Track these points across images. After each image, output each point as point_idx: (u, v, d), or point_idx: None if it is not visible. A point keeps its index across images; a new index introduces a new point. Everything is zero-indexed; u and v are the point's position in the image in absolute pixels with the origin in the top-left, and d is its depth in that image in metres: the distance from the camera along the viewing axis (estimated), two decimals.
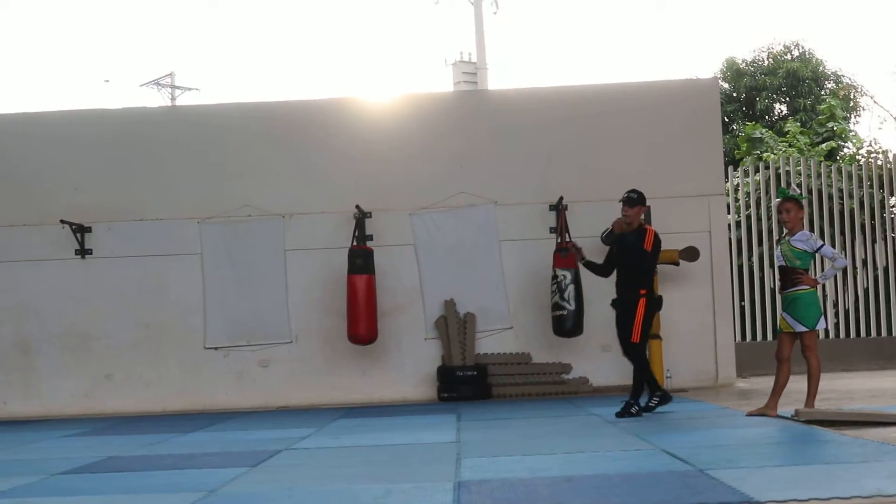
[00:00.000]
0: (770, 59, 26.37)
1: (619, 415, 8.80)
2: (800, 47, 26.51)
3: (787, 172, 15.85)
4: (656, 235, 8.87)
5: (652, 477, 5.55)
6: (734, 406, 9.53)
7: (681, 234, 12.16)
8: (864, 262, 15.78)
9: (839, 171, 16.31)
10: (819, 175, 15.87)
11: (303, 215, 12.55)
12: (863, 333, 15.51)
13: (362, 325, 11.82)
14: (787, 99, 25.73)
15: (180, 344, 12.51)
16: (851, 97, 24.87)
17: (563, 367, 12.33)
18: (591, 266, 9.22)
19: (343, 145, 12.67)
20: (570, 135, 12.68)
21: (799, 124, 22.29)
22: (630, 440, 7.22)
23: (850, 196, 15.88)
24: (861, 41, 53.82)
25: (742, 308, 15.45)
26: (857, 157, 19.63)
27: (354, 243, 12.09)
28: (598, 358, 12.18)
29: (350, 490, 5.50)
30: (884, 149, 19.81)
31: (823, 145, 20.79)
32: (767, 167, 16.24)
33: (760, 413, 8.31)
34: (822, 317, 8.22)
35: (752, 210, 15.94)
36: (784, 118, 24.80)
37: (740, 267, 15.58)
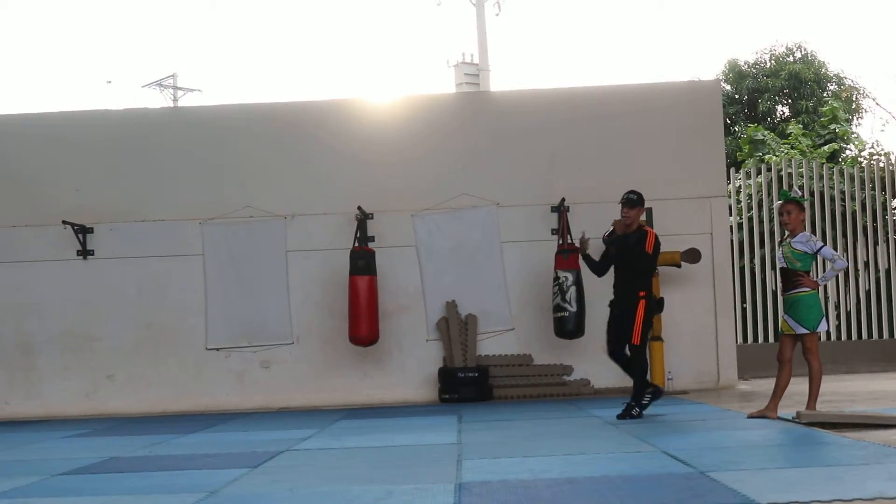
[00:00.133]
0: (772, 61, 26.36)
1: (620, 416, 8.81)
2: (802, 49, 26.51)
3: (789, 174, 15.84)
4: (657, 237, 8.89)
5: (653, 479, 5.55)
6: (735, 408, 9.53)
7: (683, 235, 12.18)
8: (866, 264, 15.78)
9: (841, 173, 16.31)
10: (821, 177, 15.86)
11: (304, 216, 12.55)
12: (864, 335, 15.51)
13: (364, 327, 11.82)
14: (790, 101, 25.73)
15: (182, 345, 12.51)
16: (854, 99, 24.86)
17: (565, 369, 12.33)
18: (588, 260, 9.20)
19: (345, 146, 12.67)
20: (572, 136, 12.68)
21: (801, 126, 22.30)
22: (631, 442, 7.22)
23: (852, 198, 15.88)
24: (863, 43, 53.82)
25: (743, 310, 15.45)
26: (860, 159, 19.64)
27: (356, 244, 12.09)
28: (600, 360, 12.08)
29: (351, 491, 5.50)
30: (886, 151, 19.85)
31: (825, 147, 20.80)
32: (769, 169, 16.24)
33: (761, 415, 8.31)
34: (824, 319, 8.22)
35: (754, 212, 15.94)
36: (786, 120, 24.80)
37: (742, 269, 15.58)
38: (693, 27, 63.04)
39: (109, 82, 61.43)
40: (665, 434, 7.64)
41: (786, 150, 20.12)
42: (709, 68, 42.22)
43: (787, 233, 8.31)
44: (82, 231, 12.51)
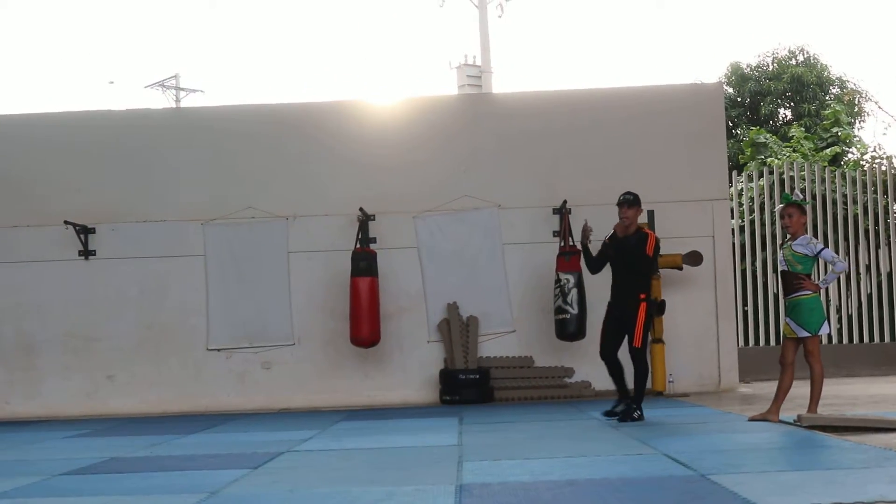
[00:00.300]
0: (775, 64, 26.35)
1: (620, 419, 8.82)
2: (804, 52, 26.49)
3: (791, 178, 15.83)
4: (657, 239, 8.93)
5: (653, 481, 5.55)
6: (736, 411, 9.53)
7: (684, 238, 12.19)
8: (868, 268, 15.77)
9: (843, 176, 16.30)
10: (823, 180, 15.85)
11: (306, 217, 12.56)
12: (866, 339, 15.50)
13: (365, 328, 11.82)
14: (792, 104, 25.72)
15: (183, 345, 12.51)
16: (856, 102, 24.85)
17: (566, 371, 12.32)
18: (587, 252, 9.20)
19: (347, 148, 12.68)
20: (574, 139, 12.68)
21: (803, 129, 22.29)
22: (632, 444, 7.22)
23: (854, 201, 15.88)
24: (866, 46, 53.82)
25: (745, 313, 15.44)
26: (862, 162, 19.63)
27: (358, 246, 12.09)
28: (601, 362, 12.06)
29: (351, 492, 5.49)
30: (888, 154, 19.83)
31: (828, 150, 20.79)
32: (771, 172, 16.23)
33: (763, 418, 8.32)
34: (826, 322, 8.22)
35: (756, 215, 15.94)
36: (788, 123, 24.80)
37: (743, 272, 15.58)
38: (695, 30, 63.09)
39: (112, 83, 61.53)
40: (666, 437, 7.64)
41: (788, 154, 20.11)
42: (711, 71, 42.24)
43: (788, 236, 8.30)
44: (84, 231, 12.52)
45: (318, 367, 12.46)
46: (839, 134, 21.83)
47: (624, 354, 8.91)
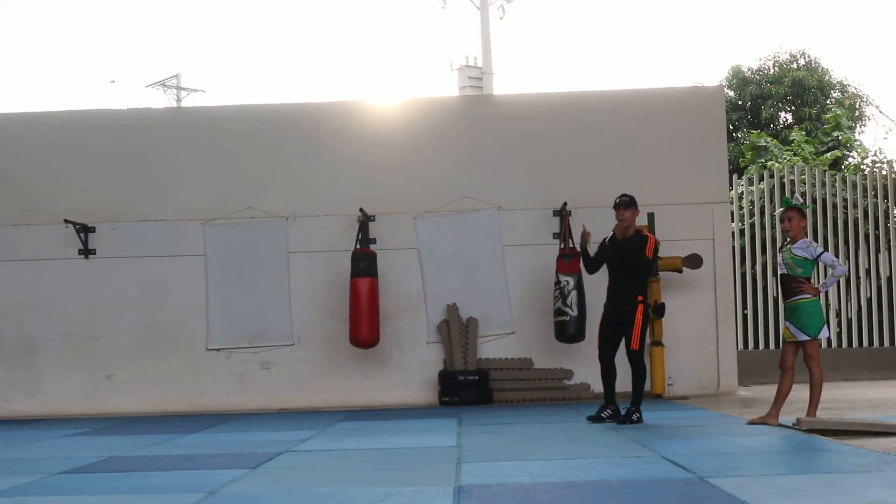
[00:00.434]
0: (776, 68, 26.35)
1: (620, 421, 8.83)
2: (806, 56, 26.49)
3: (792, 181, 15.85)
4: (657, 242, 8.98)
5: (652, 484, 5.55)
6: (735, 414, 9.53)
7: (684, 241, 12.20)
8: (868, 272, 15.77)
9: (844, 180, 16.31)
10: (823, 184, 15.87)
11: (306, 218, 12.56)
12: (865, 343, 15.50)
13: (364, 329, 11.82)
14: (793, 108, 25.72)
15: (182, 345, 12.51)
16: (857, 107, 24.86)
17: (565, 373, 12.32)
18: (585, 253, 9.20)
19: (348, 148, 12.68)
20: (575, 141, 12.69)
21: (804, 133, 22.30)
22: (631, 447, 7.22)
23: (855, 205, 15.89)
24: (867, 51, 53.83)
25: (745, 316, 15.44)
26: (862, 166, 19.63)
27: (358, 246, 12.09)
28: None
29: (350, 493, 5.49)
30: (888, 158, 19.80)
31: (828, 154, 20.80)
32: (772, 176, 16.25)
33: (762, 421, 8.31)
34: (825, 326, 8.21)
35: (756, 218, 15.95)
36: (789, 127, 24.80)
37: (743, 275, 15.59)
38: (697, 33, 63.09)
39: (113, 82, 61.51)
40: (665, 439, 7.64)
41: (788, 157, 20.12)
42: (712, 74, 42.18)
43: (787, 239, 8.30)
44: (84, 230, 12.52)
45: (317, 367, 12.46)
46: (840, 138, 21.84)
47: (620, 358, 8.92)
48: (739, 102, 25.99)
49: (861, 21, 57.04)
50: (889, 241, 15.78)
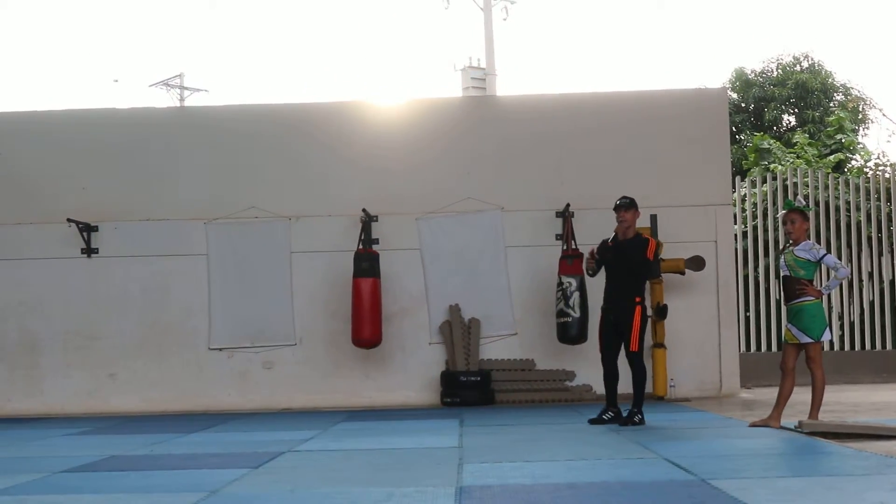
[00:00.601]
0: (779, 71, 26.36)
1: (622, 423, 8.83)
2: (809, 59, 26.50)
3: (795, 184, 15.84)
4: (658, 244, 8.99)
5: (654, 486, 5.54)
6: (737, 416, 9.52)
7: (687, 243, 12.19)
8: (870, 275, 15.76)
9: (846, 183, 16.30)
10: (826, 187, 15.86)
11: (309, 218, 12.56)
12: (868, 346, 15.49)
13: (366, 329, 11.82)
14: (796, 110, 25.71)
15: (184, 344, 12.52)
16: (860, 109, 24.85)
17: (567, 375, 12.32)
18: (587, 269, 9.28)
19: (351, 149, 12.68)
20: (578, 142, 12.68)
21: (807, 136, 22.29)
22: (632, 448, 7.21)
23: (857, 208, 15.87)
24: (871, 54, 53.80)
25: (747, 318, 15.43)
26: (865, 169, 19.63)
27: (360, 247, 12.09)
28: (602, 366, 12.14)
29: (351, 493, 5.49)
30: (891, 161, 19.83)
31: (831, 157, 20.78)
32: (775, 178, 16.23)
33: (764, 424, 8.30)
34: (828, 328, 8.20)
35: (759, 221, 15.94)
36: (792, 129, 24.79)
37: (746, 277, 15.58)
38: (701, 36, 63.09)
39: (116, 81, 61.30)
40: (667, 441, 7.64)
41: (791, 160, 20.11)
42: (716, 76, 42.23)
43: (790, 241, 8.29)
44: (87, 229, 12.52)
45: (319, 367, 12.46)
46: (843, 141, 21.83)
47: (622, 360, 8.92)
48: (742, 105, 25.99)
49: (865, 24, 57.03)
50: (892, 244, 15.76)
